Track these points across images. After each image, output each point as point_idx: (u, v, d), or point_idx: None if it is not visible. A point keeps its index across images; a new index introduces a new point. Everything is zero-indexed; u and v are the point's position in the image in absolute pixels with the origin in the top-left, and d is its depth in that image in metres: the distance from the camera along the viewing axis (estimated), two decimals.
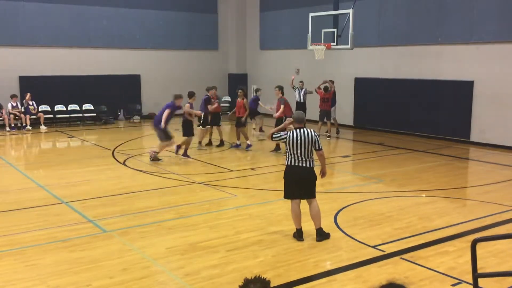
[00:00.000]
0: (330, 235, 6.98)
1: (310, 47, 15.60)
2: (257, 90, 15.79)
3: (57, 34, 19.33)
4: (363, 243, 6.81)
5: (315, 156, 6.85)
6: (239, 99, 14.62)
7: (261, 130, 16.17)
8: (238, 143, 14.34)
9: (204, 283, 5.60)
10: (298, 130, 6.73)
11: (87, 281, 5.64)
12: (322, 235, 6.90)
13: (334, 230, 7.33)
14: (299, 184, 6.81)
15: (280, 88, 13.83)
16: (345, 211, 8.31)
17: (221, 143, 14.46)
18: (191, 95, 13.02)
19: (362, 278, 5.74)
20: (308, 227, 7.07)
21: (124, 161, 12.55)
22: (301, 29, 17.00)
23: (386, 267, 6.04)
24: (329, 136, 16.00)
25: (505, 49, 14.09)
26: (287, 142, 6.72)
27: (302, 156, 6.68)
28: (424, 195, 9.46)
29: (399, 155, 13.45)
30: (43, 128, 18.23)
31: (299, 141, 6.65)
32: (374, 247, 6.68)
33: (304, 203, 6.99)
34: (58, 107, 19.40)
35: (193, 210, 8.41)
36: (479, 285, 3.80)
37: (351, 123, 18.53)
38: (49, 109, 19.17)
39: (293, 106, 15.11)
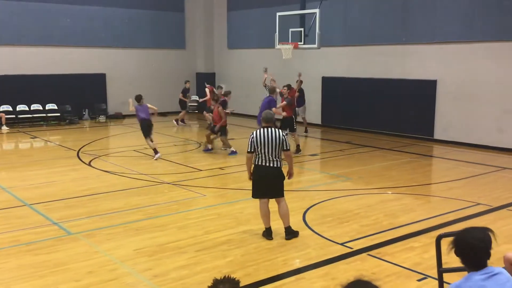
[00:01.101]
0: (298, 233, 7.03)
1: (277, 46, 15.66)
2: (226, 94, 14.53)
3: (19, 32, 18.79)
4: (331, 241, 6.89)
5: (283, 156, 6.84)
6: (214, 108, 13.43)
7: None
8: (210, 147, 13.59)
9: (173, 284, 5.55)
10: (264, 130, 6.68)
11: (52, 285, 5.51)
12: (291, 234, 6.93)
13: (302, 228, 7.38)
14: (267, 183, 6.80)
15: (289, 87, 13.46)
16: (313, 209, 8.38)
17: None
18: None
19: (330, 275, 5.80)
20: (277, 225, 7.10)
21: (90, 161, 12.32)
22: (269, 28, 17.04)
23: (354, 264, 6.12)
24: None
25: (467, 49, 14.47)
26: (254, 141, 6.66)
27: (269, 156, 6.65)
28: (390, 192, 9.63)
29: (366, 153, 13.65)
30: (4, 128, 17.73)
31: (265, 141, 6.61)
32: (342, 244, 6.76)
33: (272, 202, 7.01)
34: (21, 107, 18.88)
35: (161, 211, 8.33)
36: (444, 279, 3.89)
37: (318, 121, 18.70)
38: (11, 109, 18.65)
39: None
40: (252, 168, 6.89)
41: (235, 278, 2.47)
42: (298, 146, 13.34)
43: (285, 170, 6.97)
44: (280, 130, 6.79)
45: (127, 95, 20.86)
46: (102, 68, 20.85)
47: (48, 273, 5.81)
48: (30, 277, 5.71)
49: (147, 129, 12.48)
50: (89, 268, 5.96)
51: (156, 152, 12.49)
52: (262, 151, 6.64)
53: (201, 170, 11.43)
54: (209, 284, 2.44)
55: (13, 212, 8.25)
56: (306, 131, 17.00)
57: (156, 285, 5.55)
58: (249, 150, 6.76)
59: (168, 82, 22.19)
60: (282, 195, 6.94)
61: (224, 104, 13.75)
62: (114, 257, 6.30)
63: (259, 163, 6.73)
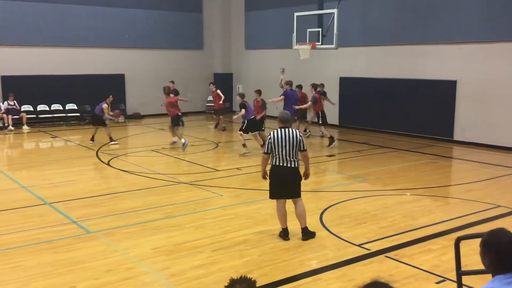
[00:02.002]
0: (315, 234, 7.00)
1: (295, 46, 15.62)
2: (242, 96, 13.98)
3: (41, 33, 19.09)
4: (349, 242, 6.84)
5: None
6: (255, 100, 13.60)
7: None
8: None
9: (189, 284, 5.58)
10: (281, 130, 6.69)
11: (71, 283, 5.58)
12: (307, 234, 6.92)
13: (319, 229, 7.35)
14: (284, 184, 6.80)
15: (313, 86, 14.91)
16: (330, 210, 8.34)
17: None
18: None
19: (347, 277, 5.76)
20: (294, 226, 7.08)
21: (109, 161, 12.44)
22: (286, 28, 17.02)
23: (371, 266, 6.07)
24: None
25: (487, 49, 14.26)
26: (271, 142, 6.68)
27: (287, 157, 6.65)
28: (408, 193, 9.54)
29: (384, 154, 13.54)
30: (25, 128, 18.01)
31: (282, 142, 6.62)
32: (359, 245, 6.72)
33: (289, 203, 7.00)
34: (41, 107, 19.18)
35: (179, 210, 8.37)
36: (463, 282, 3.84)
37: (336, 122, 18.60)
38: (31, 109, 18.94)
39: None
40: (269, 169, 6.91)
41: (251, 278, 2.47)
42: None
43: (302, 170, 6.96)
44: (297, 131, 6.78)
45: (146, 96, 21.19)
46: (121, 68, 21.06)
47: (67, 271, 5.89)
48: (49, 275, 5.79)
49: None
50: (107, 266, 6.02)
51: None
52: (280, 151, 6.64)
53: (218, 170, 11.46)
54: (226, 284, 2.44)
55: (33, 211, 8.38)
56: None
57: (172, 284, 5.58)
58: (265, 151, 6.81)
59: (186, 83, 22.30)
60: (299, 196, 6.92)
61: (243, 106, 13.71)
62: (131, 256, 6.36)
63: (276, 163, 6.73)
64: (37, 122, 18.94)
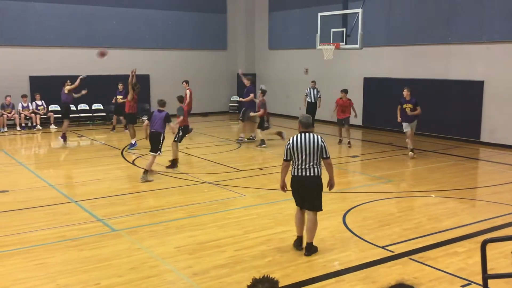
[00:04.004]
0: (317, 248, 6.51)
1: (319, 47, 15.56)
2: (264, 92, 14.89)
3: (67, 34, 19.46)
4: (372, 244, 6.78)
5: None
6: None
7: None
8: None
9: (212, 283, 5.61)
10: (302, 135, 6.24)
11: (96, 280, 5.67)
12: (311, 250, 6.42)
13: (343, 230, 7.31)
14: (304, 194, 6.34)
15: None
16: (354, 211, 8.28)
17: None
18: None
19: (371, 279, 5.71)
20: (318, 228, 7.04)
21: (133, 160, 12.59)
22: (310, 28, 16.97)
23: (395, 268, 6.01)
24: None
25: None
26: (290, 147, 6.23)
27: (307, 164, 6.17)
28: (433, 195, 9.40)
29: (408, 155, 13.37)
30: (53, 127, 18.35)
31: (302, 147, 6.16)
32: (383, 247, 6.65)
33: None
34: None
35: (202, 210, 8.42)
36: (489, 286, 3.77)
37: (360, 123, 18.45)
38: (59, 108, 19.27)
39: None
40: (290, 178, 6.42)
41: (274, 278, 2.47)
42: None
43: (326, 179, 6.55)
44: (319, 137, 6.31)
45: (170, 96, 21.30)
46: (146, 69, 21.26)
47: (92, 268, 5.98)
48: (74, 272, 5.89)
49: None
50: (131, 264, 6.09)
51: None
52: (300, 158, 6.18)
53: (240, 170, 11.49)
54: (248, 283, 2.44)
55: (60, 209, 8.53)
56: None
57: (195, 283, 5.62)
58: (285, 158, 6.33)
59: (209, 83, 22.43)
60: (318, 209, 6.40)
61: (262, 105, 14.44)
62: (155, 254, 6.42)
63: (296, 173, 6.26)
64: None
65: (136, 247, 6.69)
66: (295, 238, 6.69)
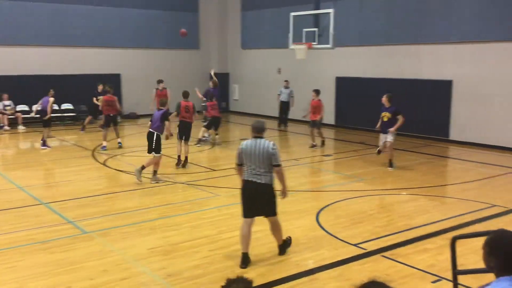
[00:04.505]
0: (290, 241, 6.57)
1: (291, 46, 15.64)
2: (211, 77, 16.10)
3: (35, 32, 19.03)
4: (345, 242, 6.85)
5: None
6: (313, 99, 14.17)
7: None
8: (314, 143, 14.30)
9: (186, 284, 5.57)
10: (253, 140, 5.96)
11: (67, 283, 5.57)
12: (284, 249, 6.40)
13: (316, 228, 7.37)
14: (253, 201, 6.05)
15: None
16: (327, 210, 8.35)
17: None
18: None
19: (344, 276, 5.77)
20: (289, 226, 7.08)
21: (105, 161, 12.42)
22: (283, 28, 17.03)
23: (368, 265, 6.09)
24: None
25: (483, 49, 14.31)
26: (240, 152, 6.00)
27: (257, 170, 5.90)
28: (404, 193, 9.56)
29: (380, 154, 13.54)
30: (21, 128, 17.95)
31: (252, 153, 5.88)
32: (355, 245, 6.73)
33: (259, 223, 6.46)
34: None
35: (175, 210, 8.37)
36: (459, 281, 3.85)
37: (332, 122, 18.63)
38: (27, 108, 18.87)
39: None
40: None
41: (248, 278, 2.47)
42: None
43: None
44: (271, 143, 5.94)
45: (142, 96, 21.13)
46: (117, 68, 21.00)
47: (63, 271, 5.87)
48: (45, 275, 5.77)
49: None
50: (103, 266, 6.01)
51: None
52: (250, 164, 5.93)
53: (214, 170, 11.46)
54: (223, 284, 2.44)
55: (29, 211, 8.35)
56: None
57: (169, 284, 5.58)
58: (237, 163, 6.15)
59: (182, 83, 22.21)
60: (273, 214, 6.18)
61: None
62: (128, 256, 6.35)
63: (247, 178, 6.01)
64: (33, 122, 18.85)
65: (108, 249, 6.59)
66: (267, 237, 6.59)
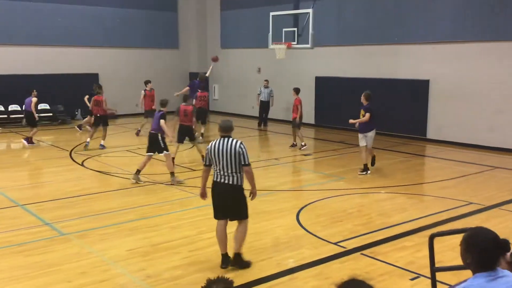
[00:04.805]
0: (249, 264, 6.05)
1: (271, 46, 15.66)
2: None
3: (10, 32, 18.66)
4: (325, 240, 6.89)
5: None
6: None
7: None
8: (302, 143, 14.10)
9: (166, 285, 5.53)
10: (221, 140, 5.82)
11: (44, 286, 5.48)
12: (238, 263, 5.98)
13: (296, 227, 7.39)
14: (223, 203, 5.94)
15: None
16: (307, 209, 8.38)
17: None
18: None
19: (324, 275, 5.80)
20: (269, 226, 7.08)
21: (83, 162, 12.25)
22: (262, 28, 17.04)
23: (348, 263, 6.13)
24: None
25: (459, 49, 14.54)
26: (209, 152, 5.85)
27: (225, 171, 5.77)
28: (383, 191, 9.65)
29: (359, 153, 13.65)
30: None
31: (220, 153, 5.74)
32: (335, 243, 6.77)
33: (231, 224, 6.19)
34: (13, 107, 18.75)
35: (155, 211, 8.30)
36: (437, 278, 3.90)
37: (312, 121, 18.71)
38: (2, 109, 18.53)
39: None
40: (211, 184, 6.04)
41: (228, 278, 2.46)
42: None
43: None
44: (239, 142, 5.80)
45: (120, 95, 20.92)
46: (95, 67, 20.75)
47: (40, 274, 5.78)
48: (22, 278, 5.67)
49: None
50: (82, 269, 5.93)
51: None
52: (219, 164, 5.79)
53: (194, 170, 11.40)
54: (203, 285, 2.42)
55: (5, 213, 8.19)
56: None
57: (149, 285, 5.53)
58: (204, 163, 6.05)
59: (161, 82, 22.09)
60: (244, 218, 6.00)
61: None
62: (107, 258, 6.28)
63: (216, 179, 5.89)
64: (9, 123, 18.53)
65: (86, 251, 6.51)
66: (250, 236, 6.50)
